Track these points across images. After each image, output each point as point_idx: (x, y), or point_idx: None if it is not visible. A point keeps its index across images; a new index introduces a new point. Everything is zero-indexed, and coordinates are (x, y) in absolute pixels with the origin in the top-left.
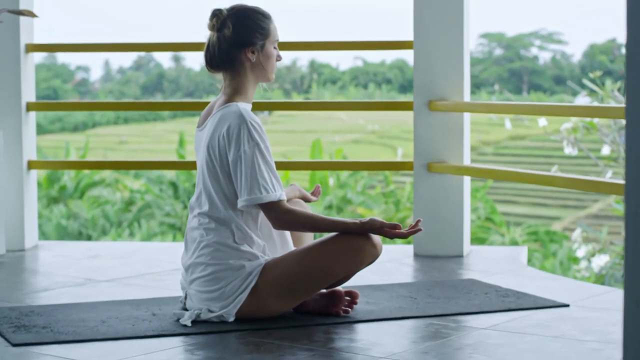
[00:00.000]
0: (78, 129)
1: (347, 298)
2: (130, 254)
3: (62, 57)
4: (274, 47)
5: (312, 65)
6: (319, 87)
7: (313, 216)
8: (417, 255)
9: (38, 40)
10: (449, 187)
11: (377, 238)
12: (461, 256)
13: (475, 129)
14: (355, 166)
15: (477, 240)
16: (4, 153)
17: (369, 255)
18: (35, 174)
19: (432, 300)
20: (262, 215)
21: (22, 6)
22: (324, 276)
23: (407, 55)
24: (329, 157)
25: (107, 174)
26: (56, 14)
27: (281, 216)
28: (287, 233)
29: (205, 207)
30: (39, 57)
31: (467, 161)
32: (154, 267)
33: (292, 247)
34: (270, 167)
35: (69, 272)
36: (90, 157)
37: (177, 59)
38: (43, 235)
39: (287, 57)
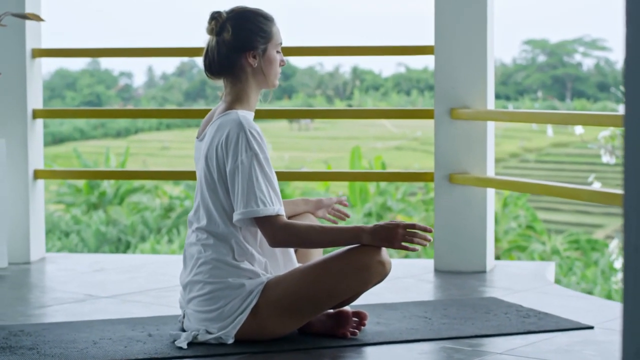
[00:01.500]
0: (120, 135)
1: (355, 319)
2: (137, 268)
3: (105, 63)
4: (277, 52)
5: (355, 71)
6: (361, 93)
7: (315, 228)
8: (437, 271)
9: (47, 45)
10: (472, 200)
11: (385, 255)
12: (484, 272)
13: (517, 135)
14: (374, 177)
15: (517, 248)
16: (6, 162)
17: (377, 274)
18: (42, 184)
19: (448, 321)
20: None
21: (29, 9)
22: (328, 296)
23: None
24: (368, 164)
25: (146, 180)
26: (68, 18)
27: (278, 232)
28: (292, 251)
29: (204, 222)
30: (82, 62)
31: (490, 172)
32: (159, 283)
33: (296, 264)
34: (268, 180)
35: (70, 287)
36: (131, 163)
37: None
38: (82, 242)
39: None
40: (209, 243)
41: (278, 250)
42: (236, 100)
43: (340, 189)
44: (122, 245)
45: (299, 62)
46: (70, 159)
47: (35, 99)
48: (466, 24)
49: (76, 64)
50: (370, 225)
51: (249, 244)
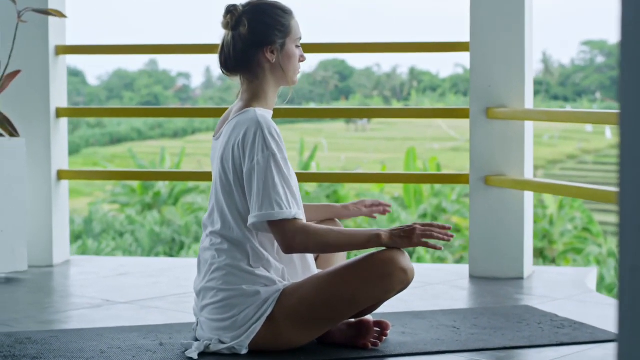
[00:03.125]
0: (177, 135)
1: (377, 329)
2: (162, 272)
3: (163, 64)
4: (296, 46)
5: (412, 72)
6: (418, 94)
7: (332, 230)
8: (472, 277)
9: (71, 42)
10: (509, 203)
11: (407, 262)
12: (521, 278)
13: (575, 137)
14: (409, 179)
15: (573, 250)
16: (29, 162)
17: (399, 282)
18: (66, 185)
19: (477, 332)
20: None
21: (52, 5)
22: (348, 304)
23: None
24: (423, 165)
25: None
26: (95, 15)
27: (294, 236)
28: (311, 256)
29: (218, 226)
30: (139, 63)
31: (528, 174)
32: (180, 288)
33: (315, 271)
34: (286, 181)
35: (89, 292)
36: (186, 164)
37: None
38: (136, 242)
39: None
40: (223, 248)
41: (296, 256)
42: (253, 98)
43: (394, 190)
44: (176, 246)
45: (356, 63)
46: (126, 159)
47: (59, 97)
48: (503, 19)
49: (134, 65)
50: (388, 228)
51: (266, 249)
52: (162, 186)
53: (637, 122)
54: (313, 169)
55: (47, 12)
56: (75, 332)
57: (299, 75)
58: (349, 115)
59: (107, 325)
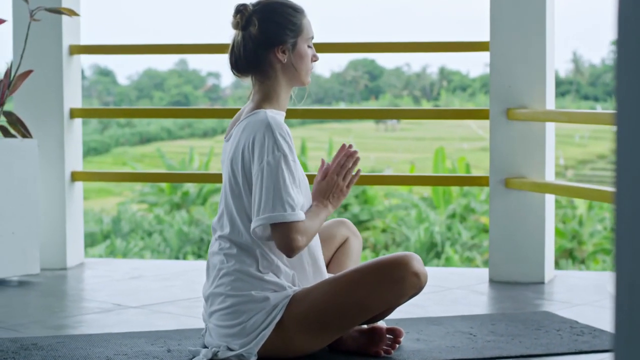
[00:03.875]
0: (207, 135)
1: (390, 336)
2: (176, 275)
3: (193, 63)
4: (309, 46)
5: (442, 72)
6: (448, 94)
7: (311, 221)
8: (492, 282)
9: (86, 41)
10: (529, 206)
11: (420, 266)
12: (542, 283)
13: (606, 137)
14: (428, 181)
15: (603, 251)
16: (42, 164)
17: (411, 287)
18: (80, 186)
19: (494, 339)
20: None
21: (66, 4)
22: (359, 310)
23: None
24: (452, 165)
25: None
26: (114, 14)
27: (298, 238)
28: (321, 260)
29: (227, 230)
30: (169, 63)
31: (549, 177)
32: (194, 292)
33: (326, 276)
34: (296, 184)
35: (100, 295)
36: (214, 163)
37: None
38: (164, 241)
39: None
40: (232, 253)
41: (307, 261)
42: (265, 99)
43: (423, 190)
44: (204, 246)
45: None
46: (155, 159)
47: (73, 98)
48: (524, 17)
49: (164, 64)
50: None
51: (275, 254)
52: (191, 186)
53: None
54: None
55: (59, 11)
56: (83, 337)
57: (310, 75)
58: (370, 116)
59: (116, 330)
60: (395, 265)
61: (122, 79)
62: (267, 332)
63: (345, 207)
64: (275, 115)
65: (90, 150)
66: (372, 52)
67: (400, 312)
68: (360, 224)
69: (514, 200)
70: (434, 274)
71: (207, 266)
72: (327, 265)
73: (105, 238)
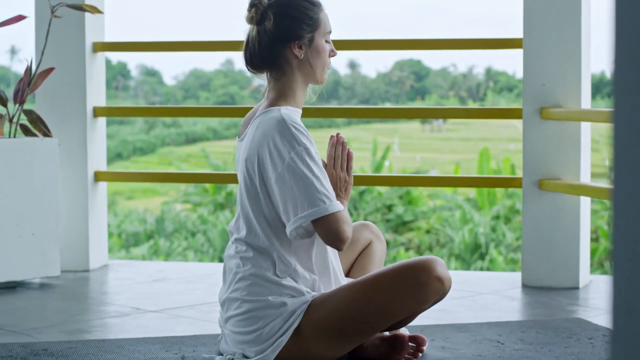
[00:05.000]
0: None
1: (412, 344)
2: (200, 278)
3: (239, 63)
4: (326, 41)
5: (489, 72)
6: (494, 94)
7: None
8: (525, 286)
9: (111, 38)
10: (564, 208)
11: (443, 270)
12: (576, 288)
13: None
14: (461, 182)
15: None
16: (63, 164)
17: (434, 292)
18: (104, 187)
19: (522, 347)
20: (317, 244)
21: (89, 1)
22: (380, 316)
23: None
24: (496, 166)
25: None
26: (144, 12)
27: (344, 228)
28: (338, 264)
29: (243, 232)
30: (215, 63)
31: (585, 178)
32: (216, 296)
33: (344, 280)
34: (324, 174)
35: (120, 299)
36: None
37: (353, 66)
38: (208, 241)
39: (461, 64)
40: (249, 256)
41: (332, 265)
42: (280, 96)
43: (468, 191)
44: None
45: (432, 63)
46: (201, 159)
47: (97, 96)
48: (558, 13)
49: (211, 64)
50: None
51: (294, 258)
52: (235, 186)
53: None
54: (385, 168)
55: (81, 8)
56: (96, 343)
57: (328, 71)
58: (391, 115)
59: (132, 335)
60: (418, 270)
61: (169, 79)
62: (284, 340)
63: (390, 207)
64: (291, 112)
65: (136, 150)
66: (395, 49)
67: (427, 318)
68: (404, 224)
69: (548, 202)
70: (465, 278)
71: (224, 270)
72: (350, 270)
73: (148, 238)
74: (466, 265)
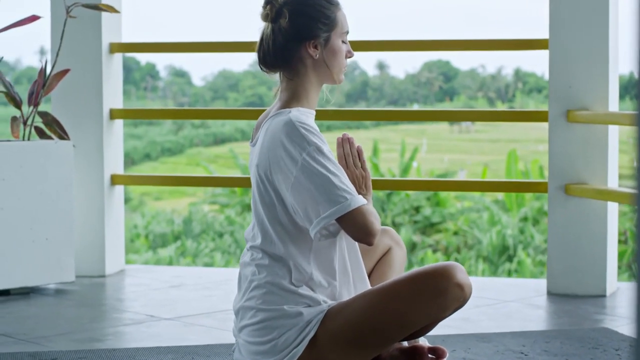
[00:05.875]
0: None
1: (431, 356)
2: (218, 284)
3: None
4: (343, 41)
5: (517, 73)
6: (523, 95)
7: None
8: (550, 294)
9: (129, 39)
10: (590, 214)
11: (464, 276)
12: (603, 296)
13: None
14: (485, 187)
15: None
16: (78, 167)
17: (454, 299)
18: (121, 190)
19: (546, 359)
20: (338, 247)
21: (106, 1)
22: (398, 325)
23: None
24: (524, 167)
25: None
26: (164, 12)
27: (372, 221)
28: (362, 269)
29: (258, 240)
30: (244, 64)
31: (612, 183)
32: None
33: (368, 285)
34: (340, 170)
35: (135, 305)
36: None
37: (381, 67)
38: (235, 242)
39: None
40: (264, 264)
41: (349, 269)
42: (293, 97)
43: (497, 193)
44: None
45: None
46: (229, 160)
47: (113, 98)
48: (585, 13)
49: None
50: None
51: (313, 265)
52: None
53: None
54: (413, 169)
55: (97, 7)
56: (106, 352)
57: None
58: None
59: (144, 345)
60: (437, 276)
61: (197, 80)
62: (300, 350)
63: (417, 209)
64: (302, 114)
65: (164, 151)
66: (419, 50)
67: (449, 327)
68: (431, 226)
69: (574, 208)
70: (489, 284)
71: (239, 278)
72: (369, 277)
73: (176, 239)
74: (494, 267)
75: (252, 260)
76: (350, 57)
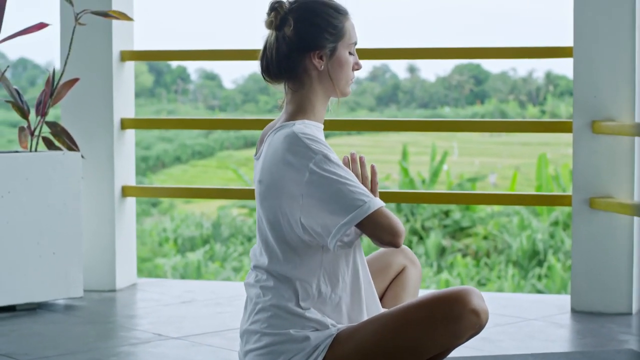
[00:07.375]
0: None
1: None
2: (230, 300)
3: None
4: (350, 53)
5: (548, 76)
6: (554, 99)
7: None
8: (574, 312)
9: (141, 46)
10: (616, 229)
11: (479, 302)
12: (629, 314)
13: None
14: (507, 200)
15: None
16: (89, 178)
17: (469, 326)
18: (133, 202)
19: None
20: (353, 263)
21: (117, 7)
22: (410, 353)
23: None
24: (554, 172)
25: None
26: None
27: (395, 222)
28: (373, 290)
29: (264, 260)
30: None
31: (639, 197)
32: None
33: (380, 309)
34: (351, 175)
35: (142, 323)
36: None
37: (412, 70)
38: None
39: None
40: (269, 285)
41: (363, 288)
42: (299, 110)
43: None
44: None
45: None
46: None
47: (125, 107)
48: (611, 21)
49: None
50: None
51: (322, 280)
52: None
53: None
54: (444, 173)
55: (107, 15)
56: None
57: (351, 85)
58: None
59: None
60: (452, 301)
61: (228, 83)
62: None
63: (447, 213)
64: (307, 127)
65: (195, 154)
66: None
67: (467, 348)
68: (461, 230)
69: (599, 222)
70: (511, 302)
71: (246, 298)
72: (381, 299)
73: (204, 243)
74: (524, 272)
75: (256, 282)
76: (357, 69)
